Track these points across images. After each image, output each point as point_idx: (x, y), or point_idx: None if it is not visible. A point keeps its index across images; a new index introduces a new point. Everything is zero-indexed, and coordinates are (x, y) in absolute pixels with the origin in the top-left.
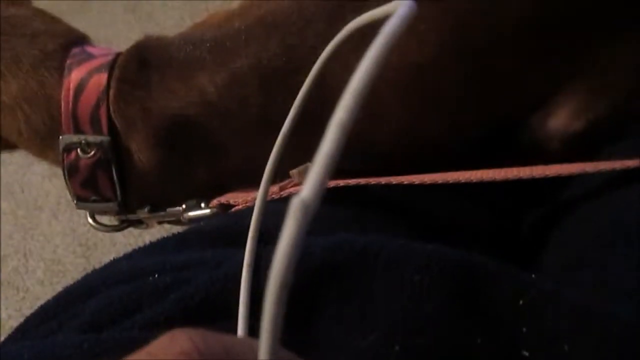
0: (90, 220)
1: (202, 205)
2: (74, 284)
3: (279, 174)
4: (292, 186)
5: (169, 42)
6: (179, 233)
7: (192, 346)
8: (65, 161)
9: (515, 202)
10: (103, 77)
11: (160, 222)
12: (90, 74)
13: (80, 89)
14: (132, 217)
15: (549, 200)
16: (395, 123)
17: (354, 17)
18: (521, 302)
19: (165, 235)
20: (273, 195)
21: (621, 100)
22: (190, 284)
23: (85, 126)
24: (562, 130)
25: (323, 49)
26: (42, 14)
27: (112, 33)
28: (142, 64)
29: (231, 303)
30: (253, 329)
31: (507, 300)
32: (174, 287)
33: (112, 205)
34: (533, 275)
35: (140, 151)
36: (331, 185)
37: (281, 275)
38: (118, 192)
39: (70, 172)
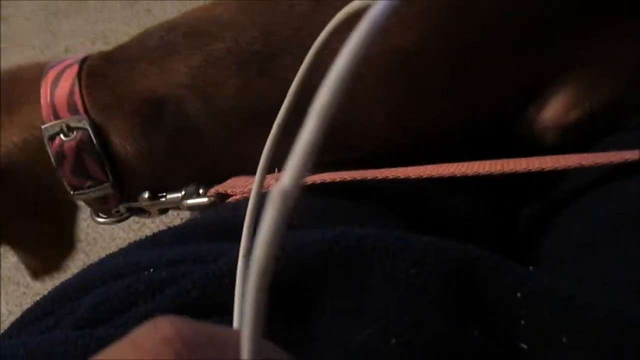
0: (95, 218)
1: (201, 191)
2: (70, 279)
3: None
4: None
5: (141, 35)
6: (175, 227)
7: (174, 333)
8: (51, 151)
9: (512, 193)
10: (75, 68)
11: (161, 211)
12: (63, 70)
13: (55, 82)
14: (134, 205)
15: (546, 192)
16: (381, 110)
17: None
18: (519, 294)
19: (162, 229)
20: (270, 188)
21: (619, 90)
22: (186, 278)
23: (63, 111)
24: (557, 122)
25: (307, 31)
26: (9, 69)
27: (109, 29)
28: (110, 58)
29: (228, 298)
30: None
31: (504, 293)
32: (170, 282)
33: (106, 186)
34: (531, 268)
35: (121, 137)
36: (327, 181)
37: (262, 263)
38: (108, 172)
39: (59, 161)
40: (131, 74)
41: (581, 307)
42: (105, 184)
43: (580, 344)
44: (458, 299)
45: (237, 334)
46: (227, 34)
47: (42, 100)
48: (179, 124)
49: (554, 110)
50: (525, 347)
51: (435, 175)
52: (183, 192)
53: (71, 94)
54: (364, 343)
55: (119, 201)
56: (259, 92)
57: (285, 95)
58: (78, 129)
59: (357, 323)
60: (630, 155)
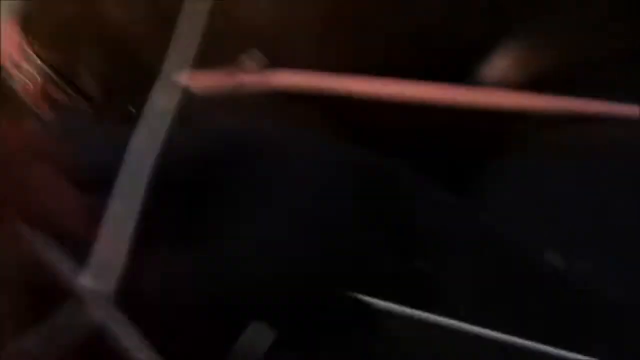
0: None
1: None
2: None
3: None
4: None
5: None
6: None
7: None
8: None
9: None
10: None
11: None
12: None
13: None
14: None
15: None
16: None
17: None
18: (424, 215)
19: None
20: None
21: (570, 51)
22: None
23: None
24: (504, 81)
25: None
26: None
27: None
28: None
29: None
30: None
31: (410, 208)
32: None
33: None
34: (450, 195)
35: None
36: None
37: None
38: None
39: None
40: None
41: (483, 233)
42: None
43: (473, 264)
44: (362, 207)
45: None
46: None
47: None
48: None
49: (499, 70)
50: (422, 264)
51: (386, 98)
52: None
53: None
54: (270, 241)
55: None
56: None
57: None
58: None
59: (265, 217)
60: (630, 110)
